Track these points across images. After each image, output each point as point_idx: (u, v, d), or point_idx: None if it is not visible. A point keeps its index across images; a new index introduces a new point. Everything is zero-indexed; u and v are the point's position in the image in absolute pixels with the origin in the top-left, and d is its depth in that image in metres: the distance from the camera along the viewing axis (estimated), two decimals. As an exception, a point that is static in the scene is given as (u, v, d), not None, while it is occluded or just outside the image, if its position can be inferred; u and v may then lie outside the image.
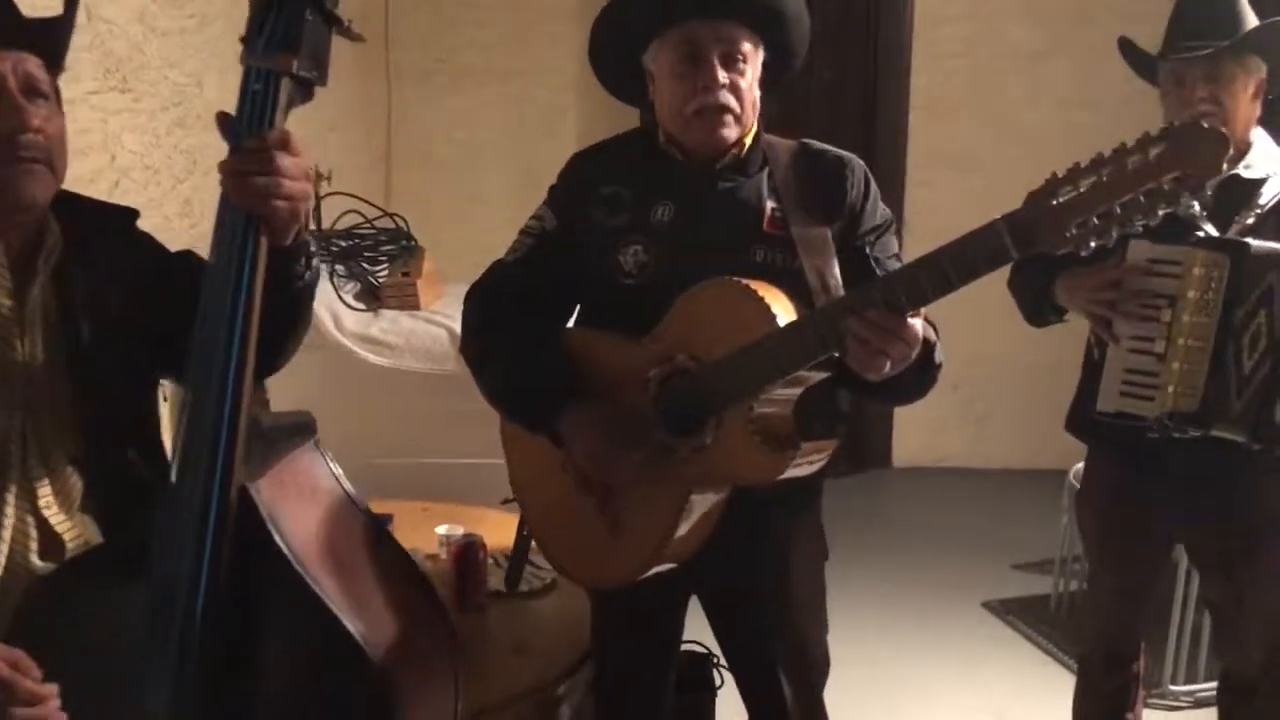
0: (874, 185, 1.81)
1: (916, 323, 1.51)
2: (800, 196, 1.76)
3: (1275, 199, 2.12)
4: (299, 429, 1.42)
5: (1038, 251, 1.44)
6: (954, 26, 4.65)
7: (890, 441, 5.06)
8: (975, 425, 5.09)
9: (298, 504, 1.33)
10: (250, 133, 1.25)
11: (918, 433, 5.04)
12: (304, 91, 1.30)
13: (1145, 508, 2.25)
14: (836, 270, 1.70)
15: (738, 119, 1.72)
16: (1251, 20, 2.15)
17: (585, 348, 1.77)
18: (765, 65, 1.79)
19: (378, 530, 1.44)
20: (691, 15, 1.70)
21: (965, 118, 4.67)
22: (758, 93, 1.78)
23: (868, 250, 1.76)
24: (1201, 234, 2.07)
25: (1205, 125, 1.35)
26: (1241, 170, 2.15)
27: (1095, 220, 1.39)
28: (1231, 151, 2.18)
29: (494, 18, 4.55)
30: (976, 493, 4.81)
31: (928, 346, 1.61)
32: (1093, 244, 1.40)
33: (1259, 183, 2.14)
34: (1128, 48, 2.27)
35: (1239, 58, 2.12)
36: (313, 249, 1.44)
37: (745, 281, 1.61)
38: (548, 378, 1.73)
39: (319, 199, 3.51)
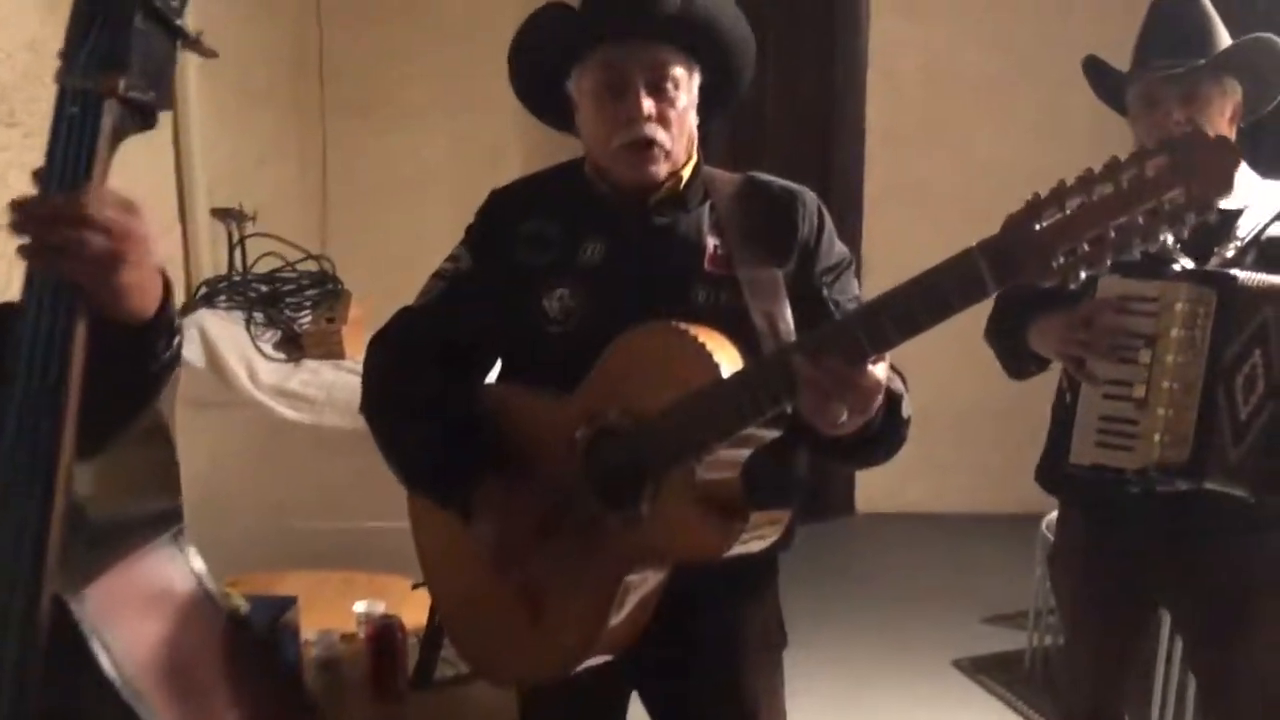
0: (829, 221, 1.61)
1: (879, 369, 1.30)
2: (747, 233, 1.55)
3: (1255, 230, 1.95)
4: (154, 520, 1.19)
5: (1018, 283, 1.23)
6: (910, 54, 4.51)
7: (853, 487, 4.86)
8: (940, 469, 4.89)
9: (137, 615, 1.09)
10: (63, 168, 1.01)
11: (881, 477, 4.79)
12: (139, 117, 1.07)
13: (1126, 571, 2.05)
14: (788, 314, 1.50)
15: (669, 152, 1.52)
16: (1225, 38, 1.99)
17: (504, 406, 1.55)
18: (704, 89, 1.59)
19: (244, 638, 1.21)
20: (611, 38, 1.50)
21: (924, 148, 4.51)
22: (694, 121, 1.57)
23: (825, 292, 1.56)
24: (1179, 268, 1.89)
25: (1213, 134, 1.15)
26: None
27: (1086, 247, 1.19)
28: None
29: (433, 51, 4.36)
30: (944, 540, 4.62)
31: (892, 398, 1.40)
32: (1084, 274, 1.20)
33: (1236, 213, 1.97)
34: (1094, 67, 2.09)
35: (1216, 78, 1.95)
36: (177, 324, 1.14)
37: (684, 325, 1.40)
38: (454, 445, 1.50)
39: (242, 239, 3.29)
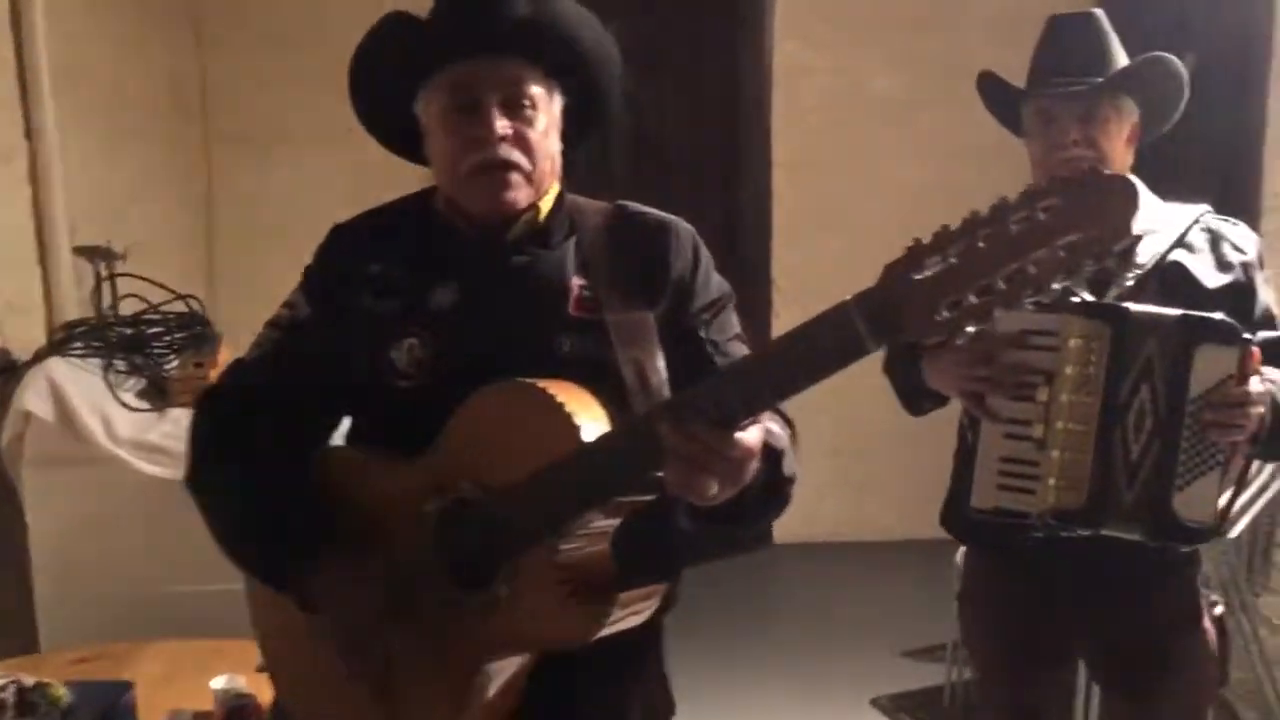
0: (705, 254, 1.47)
1: (752, 434, 1.16)
2: (615, 271, 1.41)
3: (1156, 257, 1.87)
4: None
5: (901, 340, 1.10)
6: (816, 79, 4.44)
7: (770, 518, 4.73)
8: (859, 495, 4.82)
9: None
10: None
11: (798, 505, 4.70)
12: None
13: (1035, 619, 1.95)
14: (661, 363, 1.35)
15: (528, 177, 1.38)
16: (1122, 57, 1.91)
17: (346, 473, 1.39)
18: (568, 113, 1.46)
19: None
20: (460, 53, 1.35)
21: (833, 174, 4.44)
22: (557, 146, 1.43)
23: (702, 332, 1.42)
24: (1077, 299, 1.80)
25: (1109, 172, 1.04)
26: None
27: (973, 299, 1.04)
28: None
29: (319, 76, 4.17)
30: (863, 570, 4.52)
31: (773, 457, 1.27)
32: (970, 329, 1.05)
33: (1136, 239, 1.89)
34: (990, 84, 2.00)
35: (1114, 98, 1.88)
36: None
37: (539, 384, 1.25)
38: (284, 520, 1.33)
39: (109, 278, 3.07)
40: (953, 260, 1.05)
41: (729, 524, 1.29)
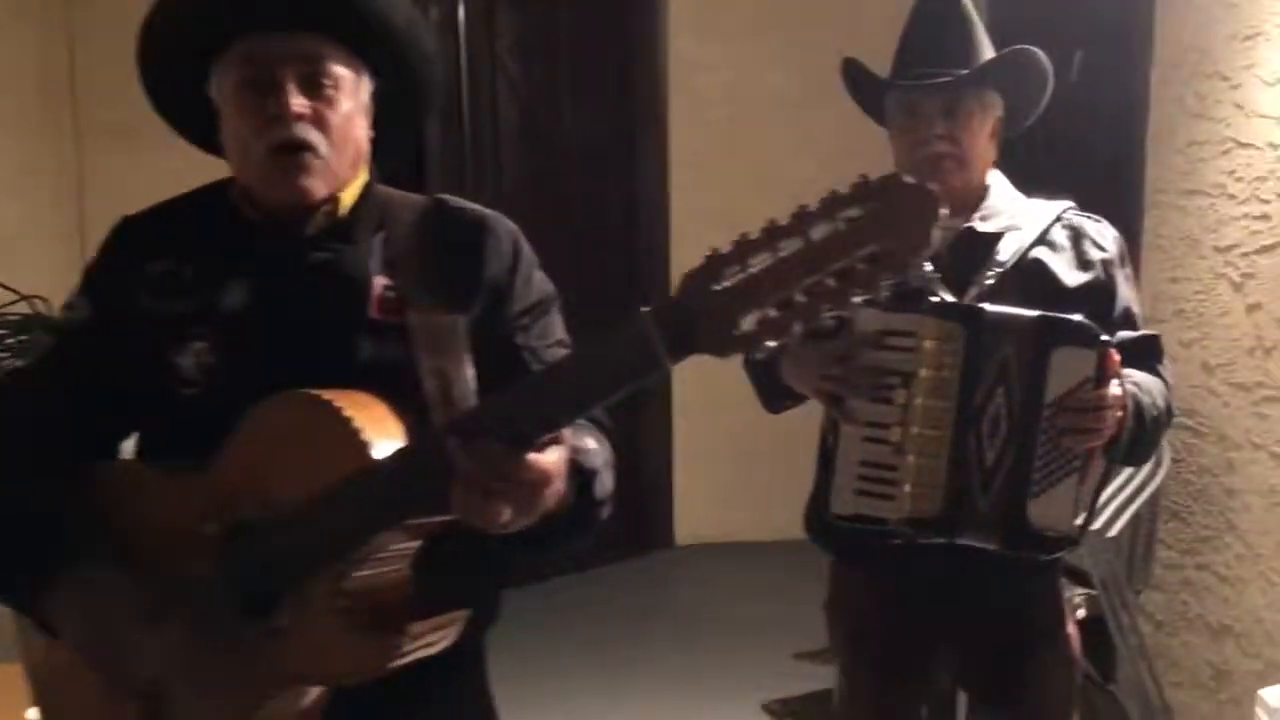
0: (527, 253, 1.38)
1: (551, 456, 1.08)
2: (425, 270, 1.32)
3: (1017, 255, 1.82)
4: None
5: (699, 354, 1.01)
6: (712, 75, 4.38)
7: (671, 517, 4.68)
8: (763, 494, 4.75)
9: None
10: None
11: (700, 506, 4.69)
12: None
13: (899, 628, 1.90)
14: (469, 372, 1.26)
15: (328, 163, 1.27)
16: (988, 49, 1.86)
17: (123, 489, 1.28)
18: (381, 100, 1.36)
19: None
20: (253, 26, 1.25)
21: (729, 172, 4.38)
22: (364, 133, 1.34)
23: (518, 339, 1.33)
24: (936, 299, 1.75)
25: (909, 180, 0.97)
26: (978, 223, 1.85)
27: (773, 312, 0.97)
28: (947, 204, 1.88)
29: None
30: (763, 570, 4.46)
31: (582, 478, 1.19)
32: (771, 344, 0.99)
33: (997, 236, 1.84)
34: (853, 72, 1.94)
35: (977, 91, 1.83)
36: None
37: (324, 395, 1.16)
38: (32, 538, 1.22)
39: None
40: (752, 271, 0.98)
41: (529, 551, 1.20)
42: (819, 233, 0.96)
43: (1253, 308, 2.71)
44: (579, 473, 1.17)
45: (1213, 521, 2.90)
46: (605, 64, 4.28)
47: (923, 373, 1.68)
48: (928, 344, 1.68)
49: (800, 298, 0.96)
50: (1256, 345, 2.70)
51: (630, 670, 3.68)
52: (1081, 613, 1.99)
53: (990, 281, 1.80)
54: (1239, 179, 2.75)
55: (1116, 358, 1.67)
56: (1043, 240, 1.84)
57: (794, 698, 3.42)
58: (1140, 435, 1.73)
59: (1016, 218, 1.87)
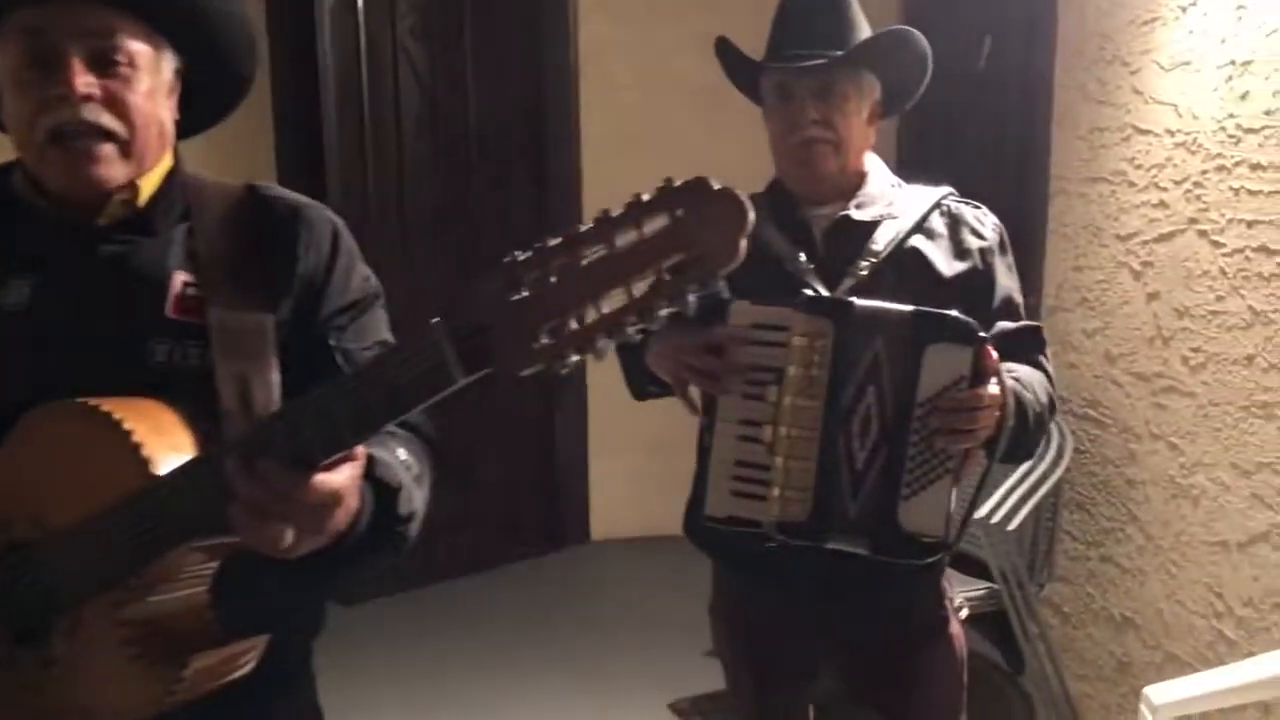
0: (348, 246, 1.28)
1: (340, 475, 0.99)
2: (231, 266, 1.21)
3: (893, 244, 1.75)
4: None
5: (494, 369, 0.94)
6: (623, 57, 4.28)
7: (587, 513, 4.59)
8: (681, 487, 4.68)
9: None
10: None
11: (616, 501, 4.61)
12: None
13: (780, 632, 1.84)
14: (273, 378, 1.16)
15: (124, 148, 1.16)
16: (864, 31, 1.79)
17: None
18: (190, 81, 1.25)
19: None
20: None
21: (642, 156, 4.26)
22: (167, 114, 1.23)
23: (333, 340, 1.23)
24: (810, 292, 1.67)
25: (717, 186, 0.90)
26: (853, 211, 1.78)
27: (574, 325, 0.90)
28: (820, 186, 1.77)
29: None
30: (680, 565, 4.31)
31: (383, 495, 1.10)
32: (573, 359, 0.91)
33: (873, 225, 1.77)
34: (726, 51, 1.86)
35: (853, 73, 1.75)
36: None
37: (101, 405, 1.05)
38: None
39: None
40: (552, 280, 0.90)
41: (322, 574, 1.11)
42: (623, 240, 0.89)
43: (1152, 296, 2.68)
44: (380, 490, 1.08)
45: (1115, 513, 2.87)
46: (513, 45, 4.15)
47: (791, 370, 1.60)
48: (796, 340, 1.61)
49: (604, 309, 0.89)
50: (1156, 335, 2.67)
51: (538, 670, 3.60)
52: (965, 612, 1.92)
53: (864, 272, 1.74)
54: (1139, 166, 2.72)
55: (994, 355, 1.60)
56: (920, 228, 1.78)
57: (702, 696, 3.36)
58: (1022, 433, 1.66)
59: (894, 205, 1.80)
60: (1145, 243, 2.70)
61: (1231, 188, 2.41)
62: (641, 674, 3.54)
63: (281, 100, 3.93)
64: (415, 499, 1.16)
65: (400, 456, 1.15)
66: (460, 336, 0.91)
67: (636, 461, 4.59)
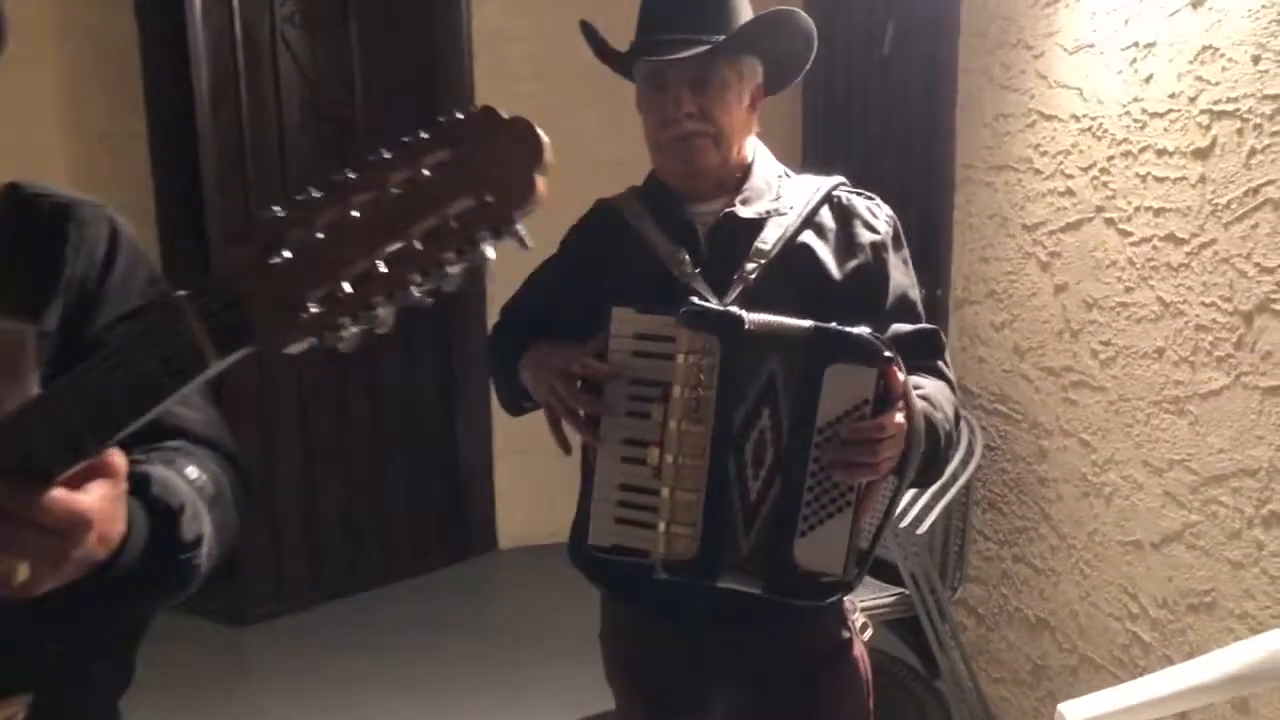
0: (129, 247, 1.11)
1: (92, 492, 0.82)
2: None
3: (782, 242, 1.61)
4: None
5: (254, 348, 0.78)
6: (519, 45, 4.11)
7: (494, 520, 4.42)
8: (592, 489, 4.54)
9: None
10: None
11: (524, 507, 4.44)
12: None
13: (671, 663, 1.70)
14: (34, 394, 0.99)
15: None
16: (745, 10, 1.65)
17: None
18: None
19: None
20: None
21: (542, 149, 4.11)
22: None
23: None
24: (696, 300, 1.52)
25: (506, 115, 0.77)
26: (739, 207, 1.64)
27: (347, 289, 0.76)
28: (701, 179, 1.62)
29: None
30: (588, 572, 4.26)
31: (162, 517, 0.93)
32: (351, 331, 0.77)
33: (760, 222, 1.63)
34: (591, 36, 1.71)
35: (732, 58, 1.60)
36: None
37: None
38: None
39: None
40: (318, 237, 0.76)
41: (85, 618, 0.93)
42: (400, 185, 0.76)
43: (1060, 288, 2.59)
44: (156, 511, 0.92)
45: (1027, 512, 2.78)
46: (402, 33, 3.95)
47: (676, 391, 1.44)
48: (681, 359, 1.44)
49: (382, 268, 0.76)
50: (1065, 328, 2.58)
51: (445, 686, 3.45)
52: (869, 632, 1.79)
53: (753, 275, 1.59)
54: (1044, 153, 2.62)
55: (901, 377, 1.45)
56: (809, 223, 1.64)
57: (612, 711, 3.21)
58: (933, 457, 1.52)
59: (782, 199, 1.66)
60: (1052, 232, 2.61)
61: (1138, 174, 2.32)
62: (551, 687, 3.40)
63: (153, 94, 3.69)
64: (204, 521, 0.99)
65: (189, 475, 0.99)
66: (211, 312, 0.76)
67: (544, 466, 4.41)
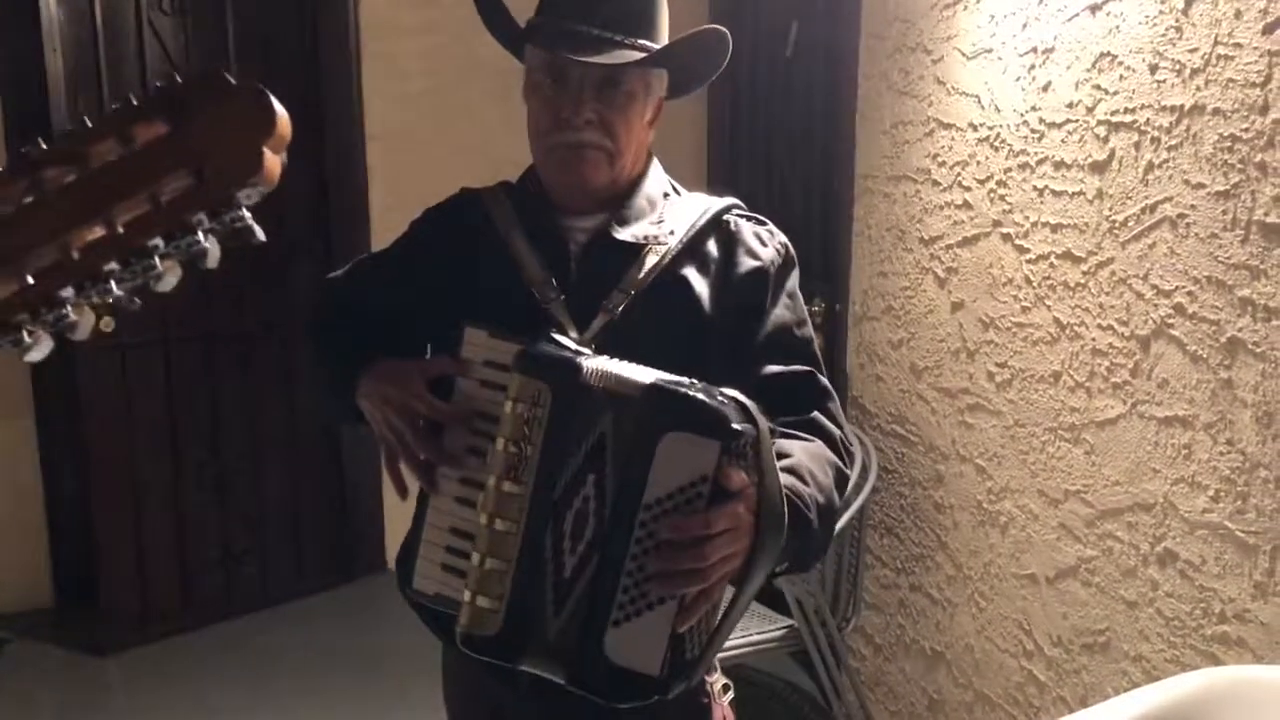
0: None
1: None
2: None
3: (655, 271, 1.43)
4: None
5: None
6: (411, 40, 3.89)
7: (381, 538, 4.19)
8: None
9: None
10: None
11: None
12: None
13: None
14: None
15: None
16: (663, 10, 1.46)
17: None
18: None
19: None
20: None
21: (433, 150, 3.91)
22: None
23: None
24: (555, 335, 1.30)
25: (234, 81, 0.67)
26: (616, 229, 1.46)
27: (29, 280, 0.64)
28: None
29: None
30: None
31: None
32: (34, 332, 0.64)
33: (637, 248, 1.45)
34: (486, 8, 1.49)
35: (643, 70, 1.42)
36: None
37: None
38: None
39: None
40: (4, 214, 0.65)
41: None
42: (105, 157, 0.65)
43: (957, 306, 2.47)
44: None
45: (924, 539, 2.65)
46: (283, 25, 3.72)
47: (499, 445, 1.24)
48: (509, 407, 1.24)
49: (75, 255, 0.64)
50: (961, 347, 2.46)
51: (329, 711, 3.24)
52: (730, 695, 1.63)
53: (619, 307, 1.41)
54: (942, 163, 2.50)
55: (757, 450, 1.22)
56: (690, 251, 1.46)
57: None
58: (801, 548, 1.31)
59: (665, 222, 1.47)
60: (949, 247, 2.48)
61: (1035, 187, 2.19)
62: (438, 714, 3.20)
63: (4, 85, 3.42)
64: None
65: None
66: None
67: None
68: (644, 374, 1.25)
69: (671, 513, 1.19)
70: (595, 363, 1.26)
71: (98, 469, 3.53)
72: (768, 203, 3.18)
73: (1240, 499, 1.75)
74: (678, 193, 1.55)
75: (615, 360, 1.28)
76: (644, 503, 1.20)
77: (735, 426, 1.19)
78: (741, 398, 1.24)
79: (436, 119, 3.95)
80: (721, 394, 1.22)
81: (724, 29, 1.46)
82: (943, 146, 2.49)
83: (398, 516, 4.27)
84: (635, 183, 1.50)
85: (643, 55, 1.40)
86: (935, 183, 2.52)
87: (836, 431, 1.45)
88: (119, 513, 3.56)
